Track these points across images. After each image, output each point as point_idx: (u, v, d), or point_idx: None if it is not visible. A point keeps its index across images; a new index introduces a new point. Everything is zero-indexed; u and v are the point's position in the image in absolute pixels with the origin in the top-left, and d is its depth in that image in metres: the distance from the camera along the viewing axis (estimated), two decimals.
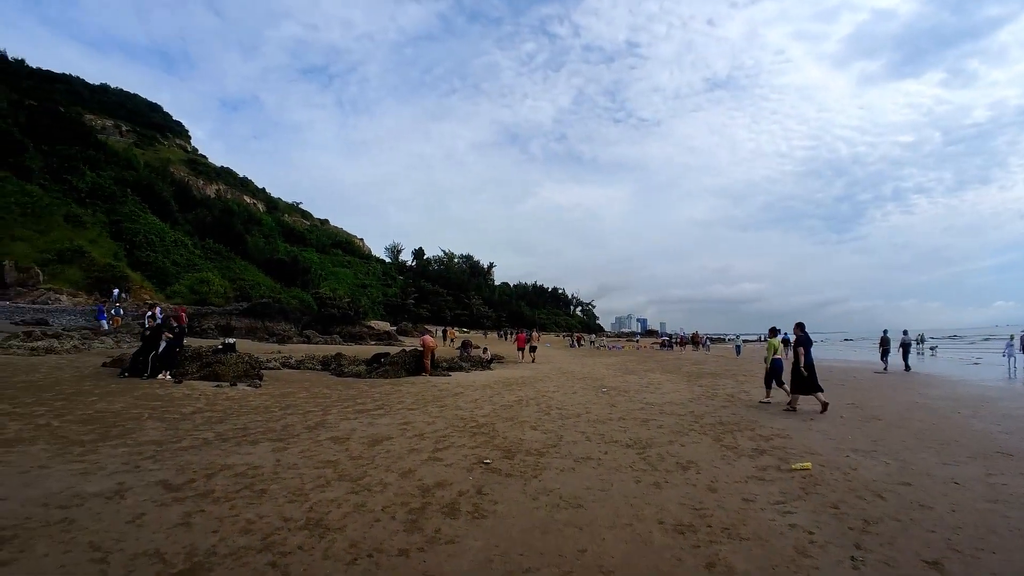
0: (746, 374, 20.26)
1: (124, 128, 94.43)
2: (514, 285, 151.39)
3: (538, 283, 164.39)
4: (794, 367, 10.35)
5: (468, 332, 60.85)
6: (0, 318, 27.08)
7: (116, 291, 40.80)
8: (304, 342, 33.22)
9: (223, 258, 65.52)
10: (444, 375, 16.85)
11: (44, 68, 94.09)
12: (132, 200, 56.68)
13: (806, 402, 10.80)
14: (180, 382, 11.84)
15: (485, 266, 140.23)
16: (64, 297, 34.82)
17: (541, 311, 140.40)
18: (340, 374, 15.82)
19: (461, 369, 19.11)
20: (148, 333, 12.80)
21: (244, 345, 26.89)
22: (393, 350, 18.86)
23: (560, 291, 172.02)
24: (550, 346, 52.22)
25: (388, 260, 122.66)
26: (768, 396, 11.94)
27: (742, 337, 48.62)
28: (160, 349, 12.53)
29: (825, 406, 10.21)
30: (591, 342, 60.02)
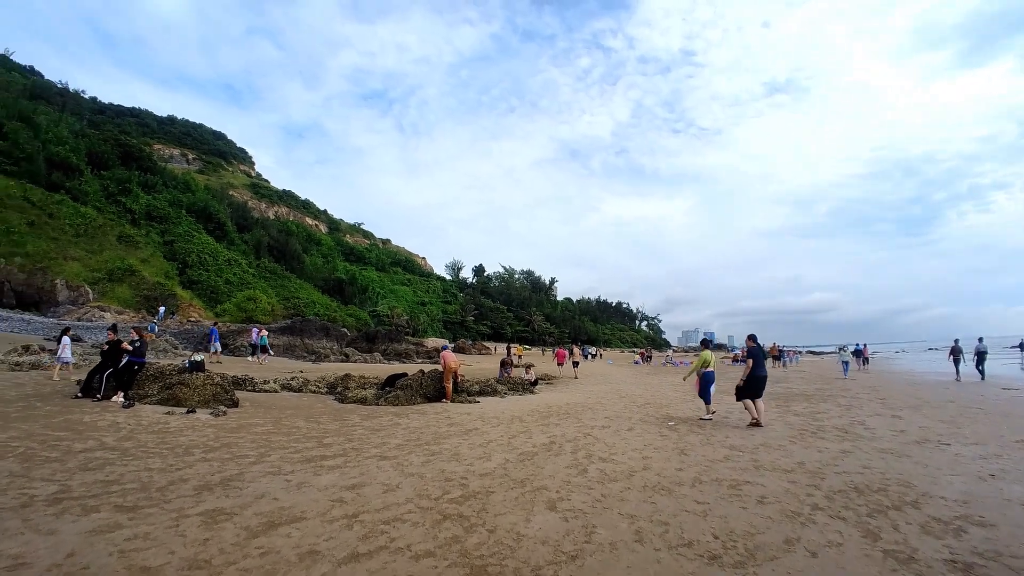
0: (844, 393, 16.75)
1: (191, 156, 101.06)
2: (577, 300, 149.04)
3: (602, 298, 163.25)
4: (748, 377, 10.17)
5: (531, 349, 58.42)
6: (38, 333, 26.81)
7: (162, 308, 40.83)
8: (342, 360, 31.98)
9: (278, 277, 66.42)
10: (470, 401, 14.05)
11: (116, 103, 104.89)
12: (187, 221, 58.73)
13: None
14: (131, 405, 10.06)
15: (547, 282, 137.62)
16: (108, 314, 34.80)
17: (605, 326, 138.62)
18: (343, 399, 13.36)
19: (495, 393, 16.23)
20: (106, 349, 10.77)
21: (277, 363, 25.75)
22: (414, 369, 16.24)
23: (624, 306, 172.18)
24: (612, 363, 48.23)
25: (448, 278, 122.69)
26: (708, 413, 11.28)
27: (845, 348, 28.69)
28: (119, 367, 10.49)
29: (760, 419, 10.14)
30: (666, 360, 52.58)
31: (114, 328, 11.52)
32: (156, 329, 30.99)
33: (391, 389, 14.07)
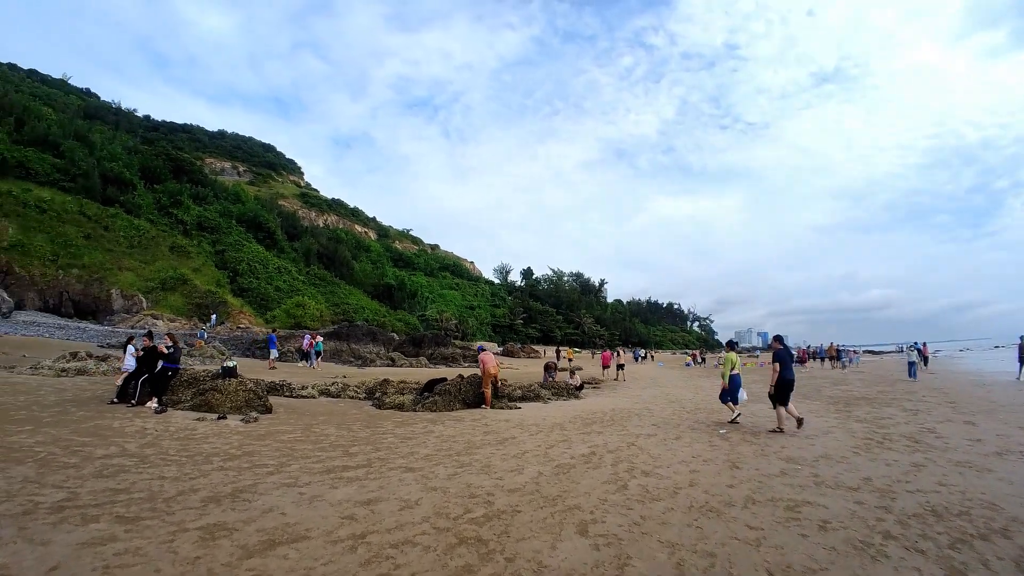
0: (909, 396, 16.00)
1: (241, 168, 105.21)
2: (627, 302, 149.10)
3: (652, 299, 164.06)
4: (778, 382, 9.74)
5: (581, 352, 57.75)
6: (92, 340, 27.89)
7: (214, 316, 41.95)
8: (388, 365, 32.09)
9: (327, 283, 68.27)
10: (511, 407, 13.49)
11: (169, 120, 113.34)
12: (237, 230, 60.81)
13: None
14: (163, 411, 10.03)
15: (596, 284, 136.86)
16: (160, 322, 36.20)
17: (655, 328, 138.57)
18: (380, 405, 13.05)
19: (538, 398, 15.62)
20: (142, 355, 10.75)
21: (323, 368, 25.78)
22: (453, 373, 15.82)
23: (675, 306, 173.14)
24: (663, 365, 46.73)
25: (497, 281, 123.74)
26: (736, 415, 10.91)
27: (912, 347, 24.44)
28: (154, 372, 10.50)
29: (784, 426, 9.73)
30: (719, 362, 49.71)
31: (149, 334, 11.57)
32: (205, 336, 31.86)
33: (429, 395, 13.69)
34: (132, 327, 35.37)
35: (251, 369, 21.57)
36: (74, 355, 16.88)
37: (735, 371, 11.06)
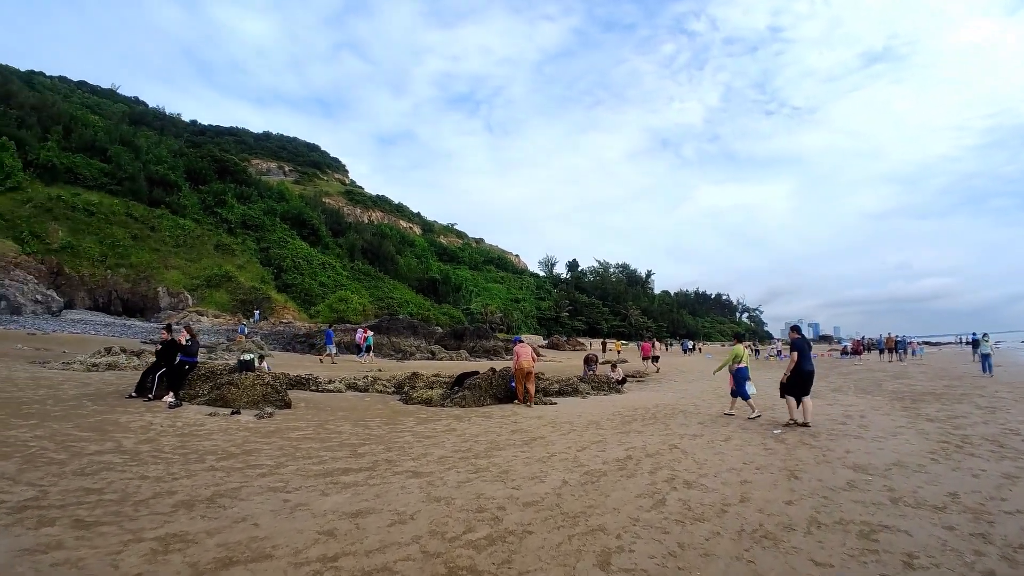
0: (980, 391, 14.81)
1: (287, 168, 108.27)
2: (675, 293, 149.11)
3: (700, 290, 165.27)
4: (793, 372, 9.56)
5: (628, 344, 56.76)
6: (137, 336, 28.74)
7: (257, 312, 42.58)
8: (428, 358, 31.97)
9: (372, 278, 69.27)
10: (545, 403, 12.75)
11: (215, 124, 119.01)
12: (282, 228, 62.06)
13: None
14: (178, 405, 9.84)
15: (643, 275, 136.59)
16: (205, 318, 37.14)
17: (704, 319, 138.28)
18: (407, 400, 12.56)
19: (576, 393, 14.83)
20: (160, 349, 10.56)
21: (359, 361, 25.61)
22: (496, 367, 15.15)
23: (724, 297, 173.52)
24: (712, 357, 44.92)
25: (542, 274, 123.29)
26: (755, 411, 10.57)
27: (987, 337, 21.50)
28: (172, 366, 10.28)
29: (794, 422, 9.51)
30: (770, 353, 46.32)
31: (168, 328, 11.37)
32: (246, 331, 32.33)
33: (460, 389, 13.07)
34: (178, 323, 36.29)
35: (296, 363, 21.64)
36: (108, 350, 17.12)
37: (742, 364, 10.84)
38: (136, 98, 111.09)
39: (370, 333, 27.80)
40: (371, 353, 26.62)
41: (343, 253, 72.91)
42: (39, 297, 31.88)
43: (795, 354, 9.56)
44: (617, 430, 9.04)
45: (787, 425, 9.40)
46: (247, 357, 11.79)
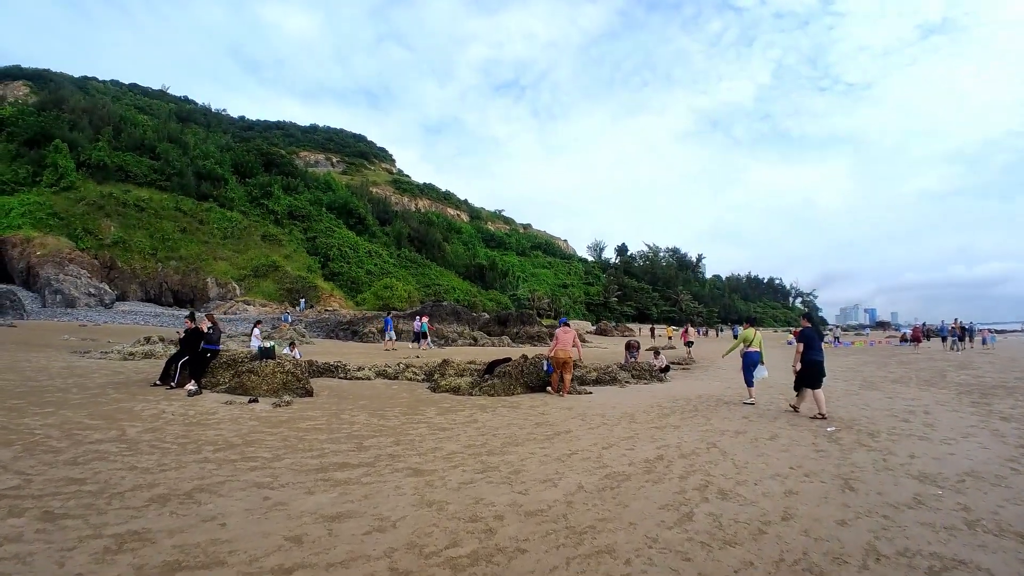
0: None
1: (334, 159, 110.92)
2: (726, 278, 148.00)
3: (752, 274, 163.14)
4: (803, 363, 9.33)
5: (679, 330, 55.88)
6: (182, 327, 29.74)
7: (303, 300, 43.48)
8: (470, 344, 31.93)
9: (418, 265, 70.20)
10: (580, 392, 12.21)
11: (263, 119, 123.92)
12: (328, 217, 63.39)
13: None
14: (198, 392, 9.98)
15: (693, 259, 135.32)
16: (251, 308, 37.94)
17: (756, 304, 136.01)
18: (435, 388, 12.29)
19: (615, 382, 14.22)
20: (183, 337, 10.61)
21: (400, 348, 25.75)
22: (529, 353, 14.69)
23: (777, 282, 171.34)
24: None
25: (591, 259, 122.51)
26: (751, 397, 10.80)
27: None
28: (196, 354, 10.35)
29: (797, 409, 9.58)
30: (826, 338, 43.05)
31: (191, 316, 11.47)
32: (290, 319, 32.98)
33: (489, 377, 12.69)
34: (225, 313, 37.50)
35: (336, 350, 21.86)
36: (147, 339, 17.60)
37: (752, 348, 10.77)
38: (185, 97, 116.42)
39: (425, 319, 27.98)
40: (427, 340, 27.04)
41: (390, 241, 74.38)
42: (92, 290, 33.60)
43: (801, 344, 9.43)
44: (652, 424, 8.42)
45: (787, 411, 9.59)
46: (268, 345, 11.79)
